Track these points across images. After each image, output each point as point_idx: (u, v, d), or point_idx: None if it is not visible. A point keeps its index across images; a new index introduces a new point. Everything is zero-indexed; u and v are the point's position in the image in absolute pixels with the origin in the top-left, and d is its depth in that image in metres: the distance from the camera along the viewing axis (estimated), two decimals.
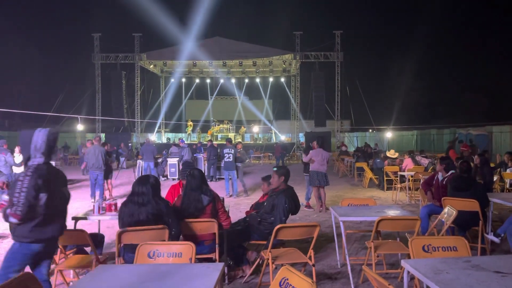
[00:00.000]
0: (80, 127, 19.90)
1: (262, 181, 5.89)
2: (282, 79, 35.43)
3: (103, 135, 29.62)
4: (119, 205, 4.45)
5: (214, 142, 17.18)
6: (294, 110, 33.25)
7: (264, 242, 4.73)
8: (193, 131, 33.60)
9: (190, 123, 32.25)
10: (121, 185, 13.80)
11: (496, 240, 5.41)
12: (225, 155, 11.40)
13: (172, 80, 35.94)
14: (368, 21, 57.04)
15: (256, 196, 10.52)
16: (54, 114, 22.77)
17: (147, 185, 4.12)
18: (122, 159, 20.72)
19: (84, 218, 4.98)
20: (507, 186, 9.35)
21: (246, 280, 4.63)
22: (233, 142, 14.03)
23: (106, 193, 10.77)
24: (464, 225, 5.45)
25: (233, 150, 11.46)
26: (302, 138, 30.83)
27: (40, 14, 48.54)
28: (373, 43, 55.22)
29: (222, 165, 12.18)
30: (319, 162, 9.13)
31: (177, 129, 37.55)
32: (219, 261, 4.28)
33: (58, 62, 43.90)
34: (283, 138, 32.85)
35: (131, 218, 3.99)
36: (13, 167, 11.32)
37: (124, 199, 4.23)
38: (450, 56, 51.35)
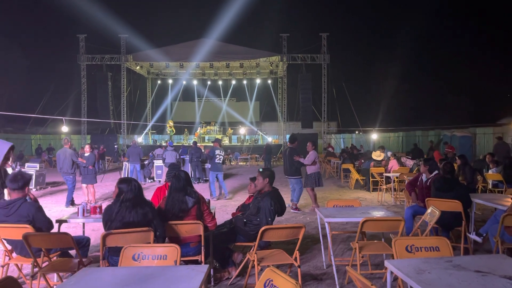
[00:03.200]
0: (65, 129, 19.60)
1: (251, 181, 5.87)
2: (269, 81, 35.54)
3: (88, 137, 29.33)
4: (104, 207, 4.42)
5: (201, 144, 17.05)
6: (281, 112, 33.37)
7: (250, 244, 4.73)
8: (180, 132, 33.44)
9: (170, 123, 31.98)
10: (106, 188, 13.68)
11: (479, 240, 5.50)
12: (217, 156, 10.99)
13: (159, 81, 35.77)
14: (354, 24, 57.52)
15: (242, 198, 10.53)
16: (38, 115, 22.46)
17: (133, 187, 4.09)
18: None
19: (66, 221, 4.94)
20: (490, 186, 9.52)
21: (232, 282, 4.63)
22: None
23: (90, 197, 10.20)
24: (447, 225, 5.52)
25: (223, 152, 11.35)
26: None
27: (24, 14, 47.88)
28: (359, 45, 55.68)
29: (209, 166, 11.49)
30: (318, 162, 9.65)
31: (165, 131, 37.37)
32: (205, 263, 4.28)
33: (42, 63, 43.34)
34: (270, 139, 32.88)
35: (119, 221, 3.95)
36: None
37: (107, 201, 4.19)
38: (435, 58, 52.04)
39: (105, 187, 13.83)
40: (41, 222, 4.25)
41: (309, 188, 9.40)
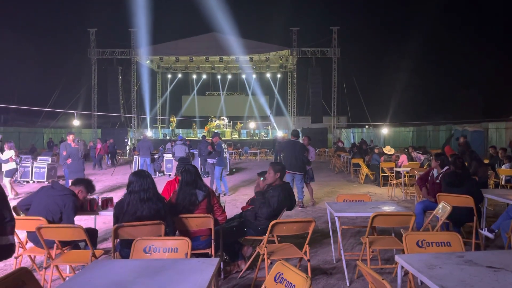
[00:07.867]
0: (76, 122, 19.78)
1: (258, 176, 5.86)
2: (279, 75, 35.43)
3: (99, 131, 29.55)
4: (115, 199, 4.47)
5: (209, 139, 16.93)
6: (290, 106, 33.26)
7: (260, 238, 4.74)
8: (189, 127, 33.55)
9: (173, 118, 32.15)
10: (115, 180, 13.80)
11: (490, 235, 5.45)
12: (224, 150, 10.68)
13: (169, 75, 35.88)
14: (365, 18, 57.12)
15: (252, 192, 10.53)
16: (50, 109, 22.69)
17: (149, 180, 4.13)
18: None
19: None
20: (502, 182, 9.41)
21: (242, 275, 4.65)
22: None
23: None
24: (458, 220, 5.48)
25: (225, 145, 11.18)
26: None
27: (36, 9, 48.26)
28: (369, 39, 55.22)
29: (213, 161, 10.73)
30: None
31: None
32: (215, 257, 4.30)
33: (54, 57, 43.72)
34: (280, 134, 32.79)
35: (131, 214, 3.98)
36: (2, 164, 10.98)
37: (112, 193, 4.23)
38: (446, 52, 51.47)
39: (115, 180, 13.96)
40: (66, 215, 4.31)
41: (308, 183, 9.38)
